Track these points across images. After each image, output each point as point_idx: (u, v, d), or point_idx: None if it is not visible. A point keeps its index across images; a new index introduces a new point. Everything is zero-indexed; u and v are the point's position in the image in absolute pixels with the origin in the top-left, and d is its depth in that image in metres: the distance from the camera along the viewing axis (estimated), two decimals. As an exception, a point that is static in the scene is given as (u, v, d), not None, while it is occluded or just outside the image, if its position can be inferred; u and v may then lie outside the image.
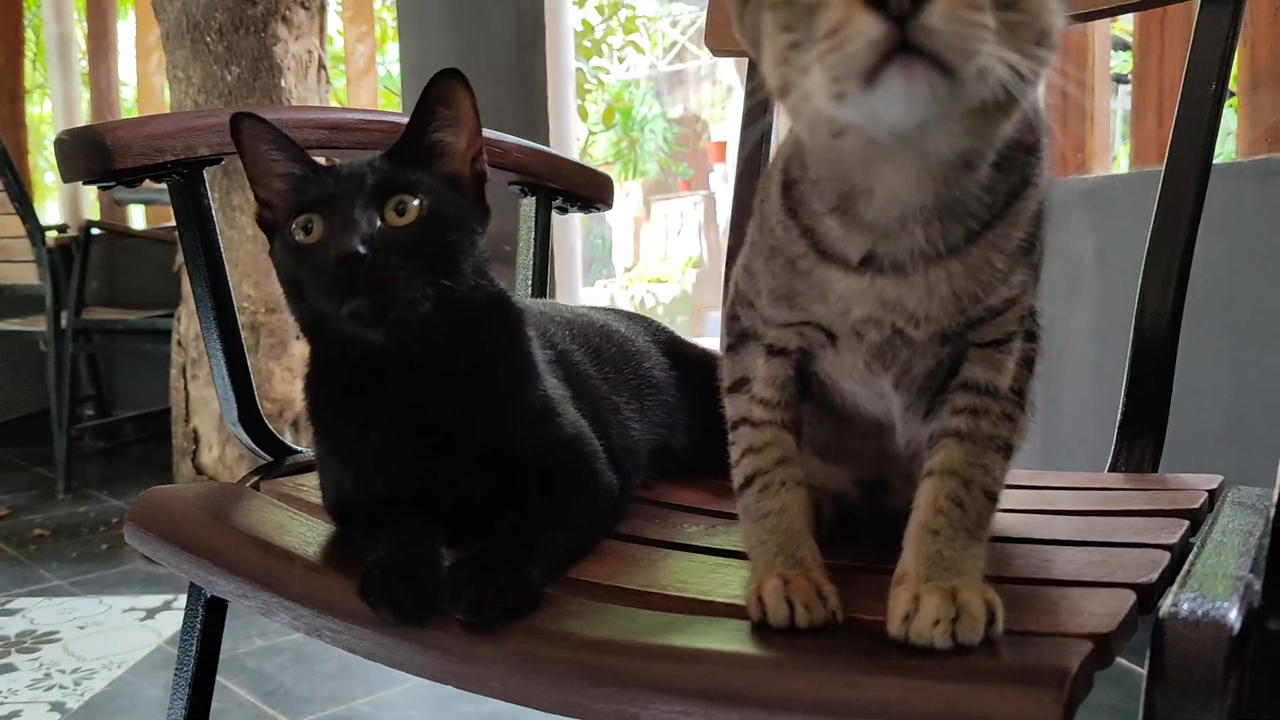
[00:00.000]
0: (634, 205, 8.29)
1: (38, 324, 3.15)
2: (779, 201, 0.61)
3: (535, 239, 1.08)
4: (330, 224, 0.70)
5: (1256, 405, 1.64)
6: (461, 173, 0.76)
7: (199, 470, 2.56)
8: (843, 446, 0.71)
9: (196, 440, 2.57)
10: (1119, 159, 2.73)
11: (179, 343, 2.64)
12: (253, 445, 0.90)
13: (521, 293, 1.07)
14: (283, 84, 2.55)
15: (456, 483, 0.73)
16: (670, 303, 7.62)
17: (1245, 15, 1.71)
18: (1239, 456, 1.61)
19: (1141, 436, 0.93)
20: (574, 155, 2.97)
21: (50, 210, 4.94)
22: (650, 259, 8.26)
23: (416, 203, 0.72)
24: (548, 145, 2.84)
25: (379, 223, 0.70)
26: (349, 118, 0.95)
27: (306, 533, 0.75)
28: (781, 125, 1.21)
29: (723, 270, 1.10)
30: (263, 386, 2.51)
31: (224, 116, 0.85)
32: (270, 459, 0.91)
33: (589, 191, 1.11)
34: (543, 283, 1.06)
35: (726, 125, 8.11)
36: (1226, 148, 2.13)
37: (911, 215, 0.56)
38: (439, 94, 0.75)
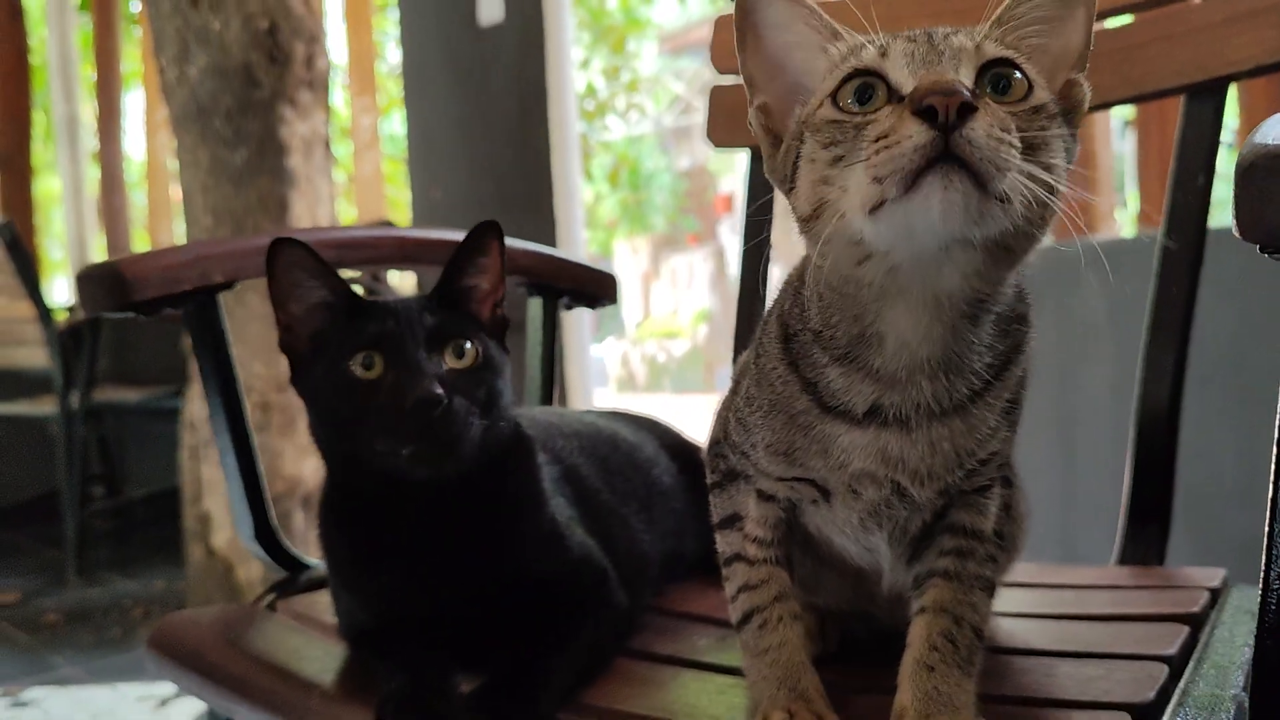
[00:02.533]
0: (643, 261, 8.35)
1: (47, 405, 3.17)
2: (779, 356, 0.62)
3: (543, 339, 1.10)
4: (395, 364, 0.72)
5: (1266, 465, 1.65)
6: (484, 317, 0.80)
7: (210, 553, 2.56)
8: (822, 584, 0.72)
9: (207, 523, 2.57)
10: (1129, 199, 2.77)
11: (189, 424, 2.65)
12: (270, 561, 0.91)
13: (530, 398, 1.08)
14: (288, 164, 2.59)
15: (469, 609, 0.74)
16: (681, 357, 7.65)
17: (1241, 90, 1.75)
18: (1253, 519, 1.62)
19: (1147, 528, 0.94)
20: (579, 217, 3.00)
21: (59, 284, 5.00)
22: (660, 314, 8.31)
23: (470, 347, 0.75)
24: (552, 210, 2.90)
25: (443, 366, 0.73)
26: (357, 235, 0.97)
27: (323, 658, 0.76)
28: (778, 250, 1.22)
29: (733, 324, 1.11)
30: (273, 465, 2.52)
31: (236, 244, 0.88)
32: (286, 573, 0.92)
33: (593, 289, 1.13)
34: (550, 387, 1.08)
35: (734, 177, 8.19)
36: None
37: (919, 367, 0.57)
38: (477, 244, 0.79)
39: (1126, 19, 1.08)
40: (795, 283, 0.64)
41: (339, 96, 4.18)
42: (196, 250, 0.83)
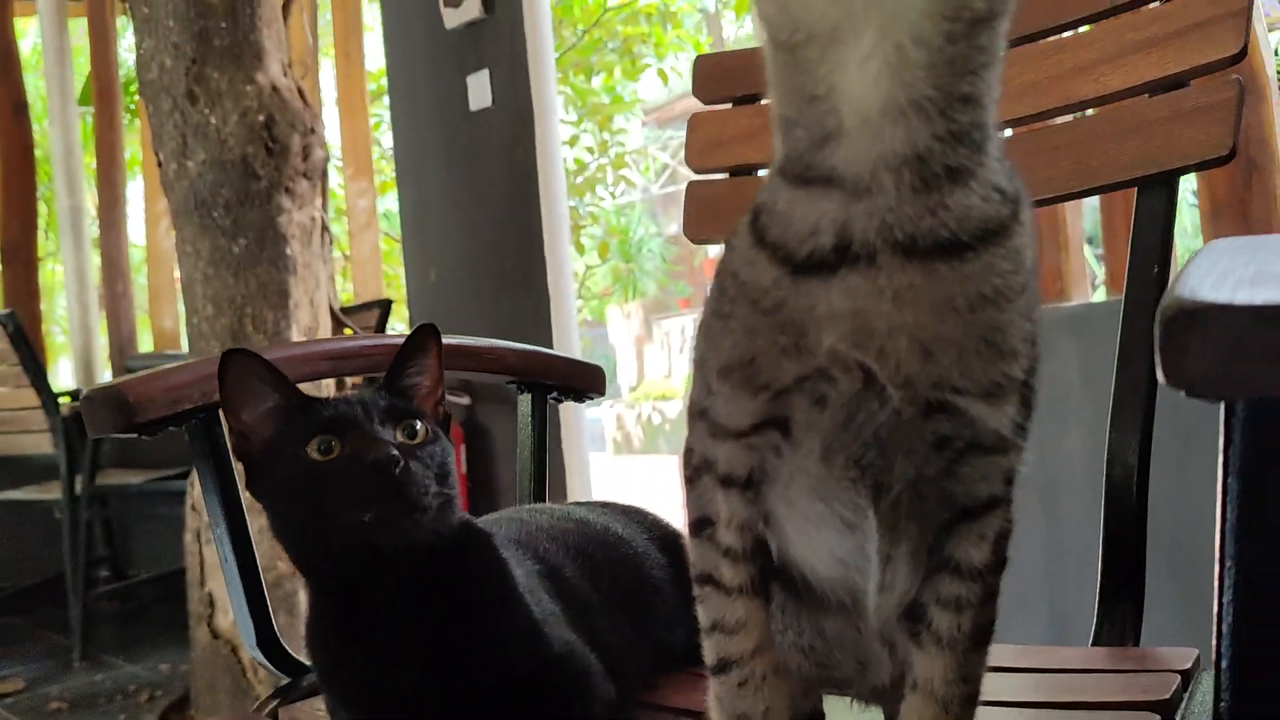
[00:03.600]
0: (635, 325, 8.45)
1: (52, 490, 3.20)
2: (747, 233, 0.58)
3: (533, 435, 1.14)
4: (352, 441, 0.76)
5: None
6: (428, 412, 0.84)
7: (215, 634, 2.58)
8: (804, 634, 0.66)
9: (212, 604, 2.59)
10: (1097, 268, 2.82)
11: (193, 507, 2.68)
12: (272, 669, 0.94)
13: (522, 494, 1.12)
14: (288, 252, 2.65)
15: (451, 709, 0.77)
16: (676, 418, 7.68)
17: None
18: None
19: (1120, 606, 0.97)
20: (571, 291, 3.06)
21: (63, 367, 5.04)
22: (654, 377, 8.37)
23: (421, 427, 0.79)
24: (546, 286, 2.95)
25: (397, 439, 0.78)
26: (350, 346, 1.02)
27: (324, 764, 0.79)
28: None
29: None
30: (275, 546, 2.54)
31: (237, 361, 0.92)
32: (289, 679, 0.95)
33: (580, 384, 1.18)
34: (543, 482, 1.11)
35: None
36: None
37: (885, 159, 0.52)
38: (417, 345, 0.85)
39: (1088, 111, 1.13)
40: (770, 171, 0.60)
41: (335, 177, 4.26)
42: (197, 370, 0.88)
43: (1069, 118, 1.15)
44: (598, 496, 3.09)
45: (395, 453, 0.74)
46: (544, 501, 1.12)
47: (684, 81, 6.92)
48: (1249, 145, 1.78)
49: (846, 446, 0.56)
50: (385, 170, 4.87)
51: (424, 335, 0.85)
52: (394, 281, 4.48)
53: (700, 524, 0.63)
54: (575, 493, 2.91)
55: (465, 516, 0.83)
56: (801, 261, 0.54)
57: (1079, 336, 1.95)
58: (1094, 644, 0.97)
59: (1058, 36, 1.12)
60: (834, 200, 0.53)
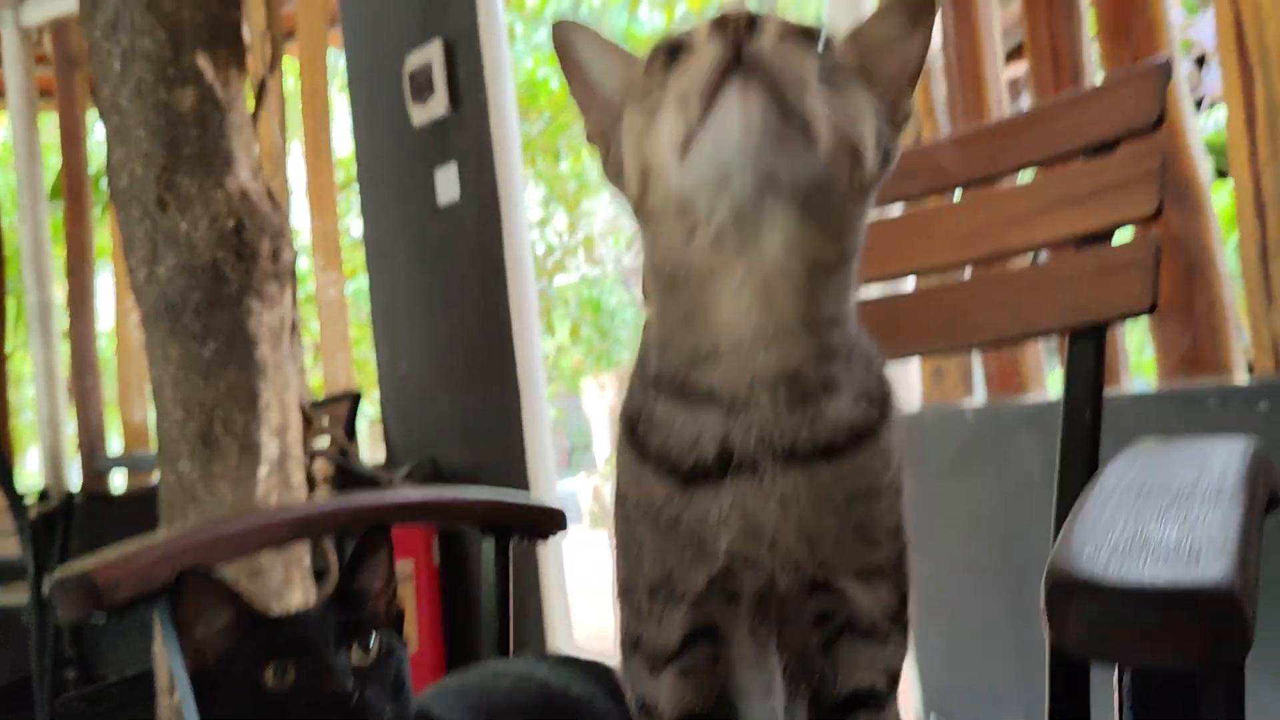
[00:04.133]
0: (610, 396, 8.46)
1: (19, 593, 3.17)
2: (627, 451, 0.62)
3: (497, 580, 1.16)
4: (307, 668, 0.78)
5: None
6: (380, 612, 0.87)
7: (184, 743, 2.55)
8: None
9: (180, 715, 2.57)
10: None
11: (161, 612, 2.67)
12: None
13: (487, 639, 1.14)
14: (257, 354, 2.67)
15: None
16: (650, 488, 7.68)
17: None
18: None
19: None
20: (541, 380, 3.09)
21: (31, 458, 5.01)
22: (628, 447, 8.37)
23: (375, 643, 0.81)
24: (516, 377, 2.98)
25: (350, 663, 0.79)
26: (316, 511, 1.05)
27: None
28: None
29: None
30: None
31: (200, 535, 0.95)
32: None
33: (541, 527, 1.20)
34: (506, 630, 1.14)
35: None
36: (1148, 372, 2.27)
37: (760, 379, 0.57)
38: (367, 549, 0.88)
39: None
40: (634, 372, 0.65)
41: (304, 262, 4.30)
42: (163, 549, 0.90)
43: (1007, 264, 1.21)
44: (576, 573, 3.11)
45: (350, 686, 0.76)
46: (508, 653, 1.14)
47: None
48: (1189, 251, 1.85)
49: (764, 626, 0.61)
50: (355, 256, 4.90)
51: (374, 539, 0.87)
52: (365, 369, 4.50)
53: (643, 710, 0.66)
54: (554, 627, 2.91)
55: (420, 707, 0.84)
56: (688, 472, 0.58)
57: (1038, 431, 2.00)
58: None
59: (992, 188, 1.18)
60: (713, 415, 0.58)
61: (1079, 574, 0.42)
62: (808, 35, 0.57)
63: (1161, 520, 0.47)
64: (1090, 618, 0.41)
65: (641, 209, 0.59)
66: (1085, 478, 1.04)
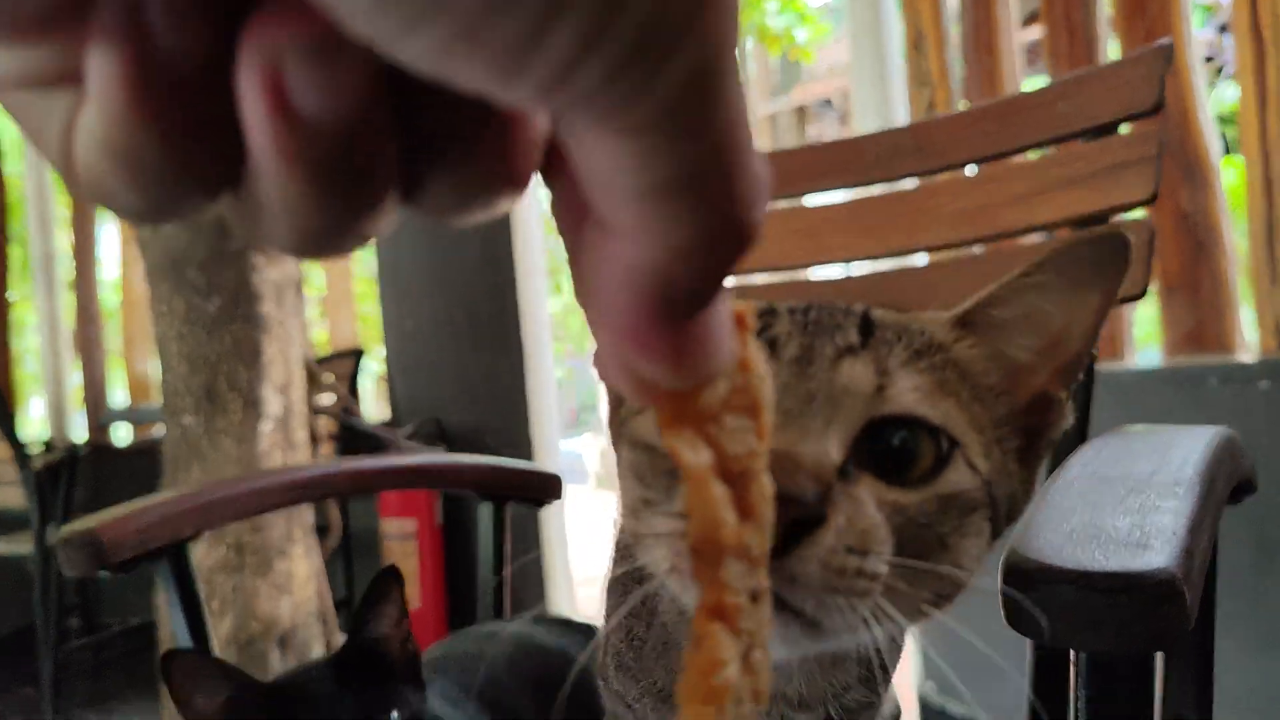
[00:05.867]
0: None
1: (23, 543, 3.20)
2: None
3: (494, 543, 1.18)
4: None
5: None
6: (395, 655, 0.85)
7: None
8: None
9: (183, 664, 2.61)
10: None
11: (164, 564, 2.70)
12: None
13: (484, 603, 1.16)
14: (261, 310, 2.68)
15: None
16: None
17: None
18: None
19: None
20: (547, 340, 3.10)
21: (35, 409, 5.03)
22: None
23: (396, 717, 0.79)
24: (520, 335, 2.98)
25: None
26: (310, 475, 1.06)
27: None
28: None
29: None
30: (248, 605, 2.57)
31: (202, 497, 0.96)
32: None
33: (538, 493, 1.22)
34: (501, 592, 1.15)
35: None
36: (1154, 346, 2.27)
37: None
38: (379, 594, 0.85)
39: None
40: None
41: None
42: (167, 509, 0.91)
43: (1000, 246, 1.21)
44: (578, 532, 3.13)
45: None
46: (504, 616, 1.16)
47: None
48: (1196, 228, 1.85)
49: None
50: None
51: (386, 584, 0.85)
52: (370, 324, 4.51)
53: None
54: (555, 588, 2.94)
55: None
56: None
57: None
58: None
59: (993, 166, 1.18)
60: None
61: (1033, 560, 0.44)
62: (912, 453, 0.46)
63: (1117, 510, 0.49)
64: (1042, 603, 0.42)
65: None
66: (1072, 450, 1.05)
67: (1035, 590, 0.43)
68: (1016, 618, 0.44)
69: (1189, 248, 1.86)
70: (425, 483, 1.14)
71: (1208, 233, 1.85)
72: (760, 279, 1.26)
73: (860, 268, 1.27)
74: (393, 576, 0.85)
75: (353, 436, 3.10)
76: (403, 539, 3.03)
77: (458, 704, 0.87)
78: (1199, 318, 1.83)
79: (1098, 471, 0.57)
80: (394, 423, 3.29)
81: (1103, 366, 1.91)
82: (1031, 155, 1.17)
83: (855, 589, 0.41)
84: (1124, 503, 0.50)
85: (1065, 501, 0.51)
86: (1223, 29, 3.28)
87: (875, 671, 0.53)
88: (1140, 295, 1.02)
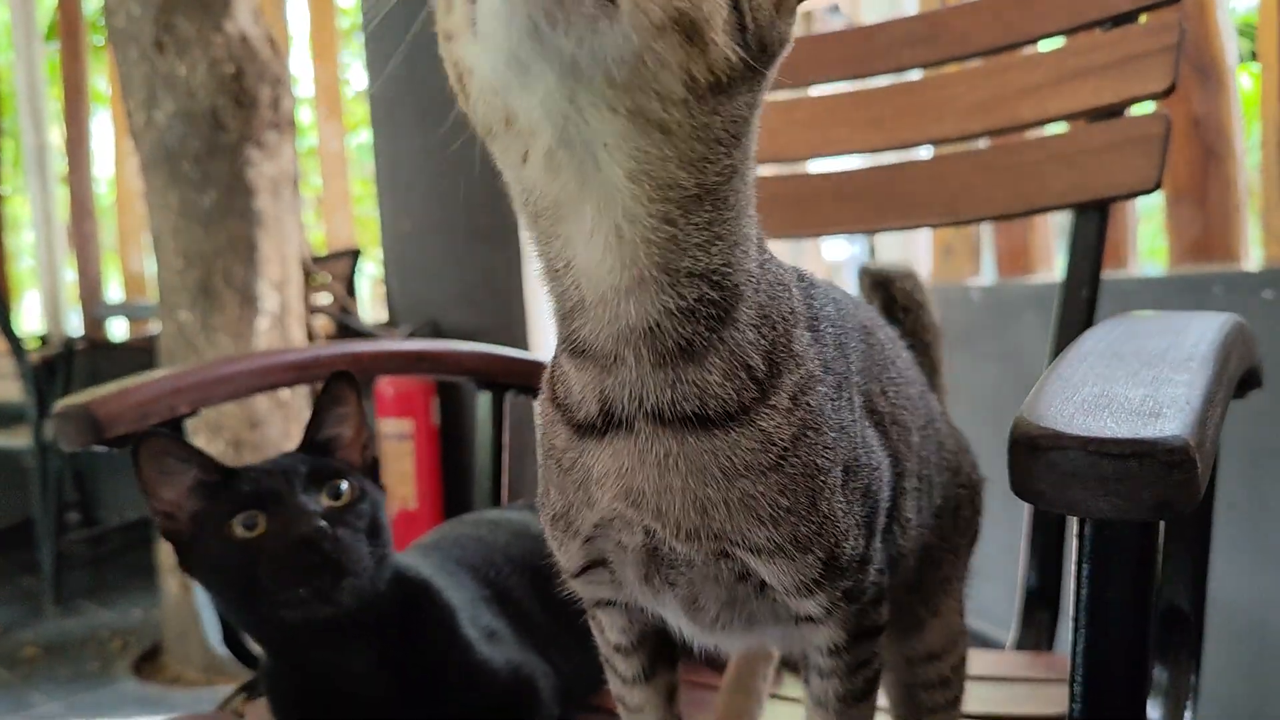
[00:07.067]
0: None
1: (21, 436, 3.22)
2: (545, 395, 0.60)
3: (492, 433, 1.18)
4: (277, 515, 0.77)
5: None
6: (355, 462, 0.86)
7: (185, 586, 2.63)
8: None
9: (182, 556, 2.64)
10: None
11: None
12: (238, 662, 0.99)
13: (480, 493, 1.16)
14: (256, 205, 2.65)
15: None
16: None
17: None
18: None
19: (1039, 614, 1.03)
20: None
21: (30, 300, 5.02)
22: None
23: (347, 487, 0.80)
24: (519, 241, 2.96)
25: (320, 507, 0.78)
26: (312, 356, 1.05)
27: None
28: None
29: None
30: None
31: (200, 374, 0.96)
32: (254, 672, 1.00)
33: (538, 382, 1.21)
34: (499, 481, 1.16)
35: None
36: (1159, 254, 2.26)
37: (624, 334, 0.51)
38: (332, 397, 0.85)
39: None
40: None
41: (306, 115, 4.22)
42: (162, 386, 0.91)
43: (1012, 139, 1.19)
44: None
45: (322, 524, 0.75)
46: (501, 503, 1.16)
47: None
48: (1207, 134, 1.81)
49: (656, 573, 0.58)
50: (358, 110, 4.82)
51: (339, 387, 0.85)
52: (368, 226, 4.47)
53: (592, 612, 0.67)
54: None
55: (399, 564, 0.84)
56: (579, 424, 0.55)
57: (1043, 311, 2.00)
58: (1015, 649, 1.03)
59: (1007, 56, 1.15)
60: (591, 371, 0.53)
61: (1042, 427, 0.43)
62: None
63: (1130, 381, 0.48)
64: (1052, 469, 0.42)
65: (478, 126, 0.52)
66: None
67: (1045, 456, 0.42)
68: (1022, 484, 0.43)
69: (1198, 154, 1.83)
70: (424, 368, 1.13)
71: (1219, 138, 1.81)
72: (764, 171, 1.24)
73: (863, 160, 1.25)
74: (345, 380, 0.85)
75: (350, 336, 3.09)
76: (399, 439, 3.05)
77: (454, 575, 0.88)
78: (1205, 225, 1.80)
79: (1110, 348, 0.56)
80: (391, 324, 3.28)
81: (1106, 274, 1.90)
82: (1046, 45, 1.14)
83: None
84: (1137, 375, 0.49)
85: (1076, 374, 0.50)
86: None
87: None
88: (1153, 189, 1.00)
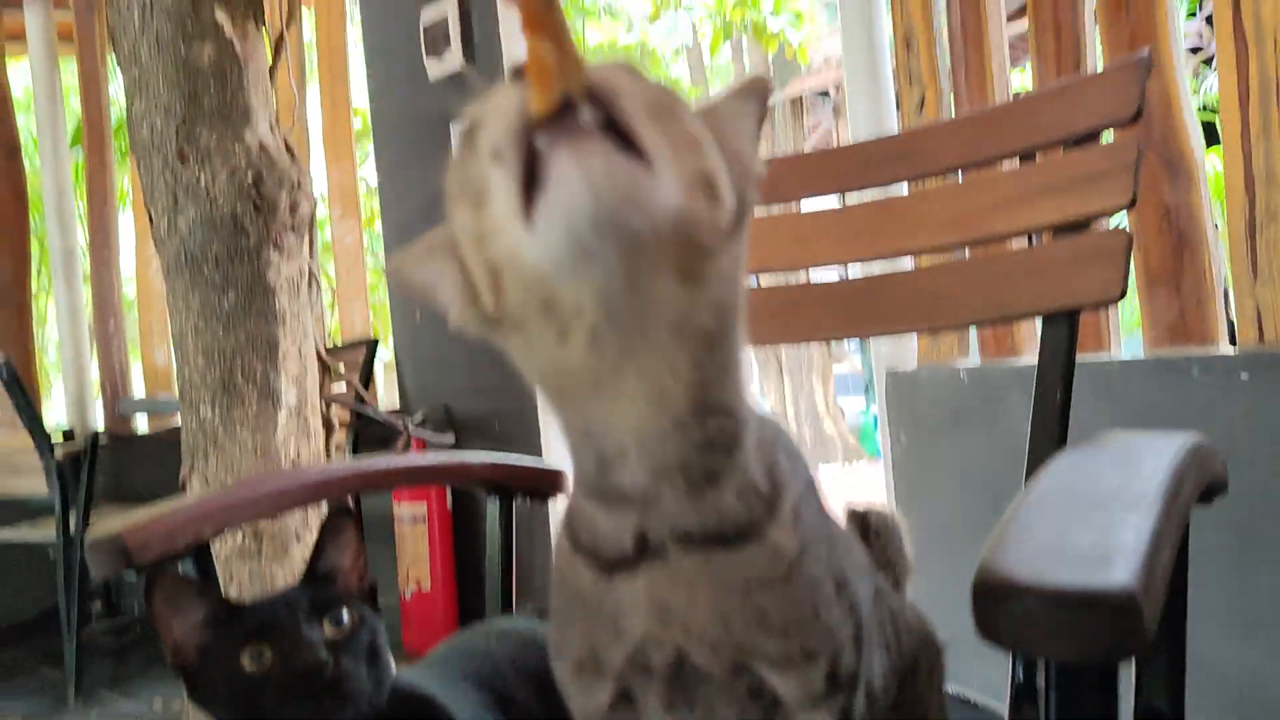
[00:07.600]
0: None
1: (46, 528, 3.28)
2: (565, 544, 0.62)
3: (501, 538, 1.23)
4: (283, 648, 0.83)
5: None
6: (352, 586, 0.93)
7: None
8: None
9: (204, 649, 2.68)
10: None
11: (185, 552, 2.77)
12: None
13: (492, 598, 1.22)
14: (277, 305, 2.73)
15: None
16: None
17: (1134, 222, 1.91)
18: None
19: (1029, 709, 1.07)
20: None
21: (56, 390, 5.11)
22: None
23: (348, 616, 0.86)
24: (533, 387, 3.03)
25: (324, 636, 0.84)
26: (334, 475, 1.12)
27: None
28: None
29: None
30: (267, 590, 2.64)
31: (224, 500, 1.03)
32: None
33: (544, 488, 1.28)
34: (509, 584, 1.21)
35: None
36: (1136, 338, 2.31)
37: (662, 473, 0.55)
38: (333, 532, 0.93)
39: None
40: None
41: (322, 210, 4.34)
42: (189, 512, 0.97)
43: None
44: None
45: (325, 656, 0.81)
46: (511, 609, 1.22)
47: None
48: (1180, 222, 1.89)
49: (679, 696, 0.61)
50: (373, 203, 4.95)
51: (338, 523, 0.93)
52: (383, 313, 4.57)
53: None
54: None
55: (401, 682, 0.89)
56: (610, 561, 0.59)
57: (1028, 392, 2.05)
58: None
59: (978, 173, 1.22)
60: (628, 513, 0.57)
61: (1001, 576, 0.48)
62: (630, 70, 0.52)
63: (1083, 526, 0.53)
64: (1009, 616, 0.46)
65: (504, 323, 0.53)
66: (1052, 452, 1.10)
67: (1003, 604, 0.46)
68: (986, 628, 0.47)
69: (1171, 241, 1.90)
70: (437, 479, 1.20)
71: (1190, 227, 1.88)
72: (753, 280, 1.31)
73: (853, 271, 1.32)
74: (343, 514, 0.93)
75: (365, 424, 3.17)
76: (414, 522, 3.11)
77: (459, 689, 0.93)
78: (1181, 310, 1.87)
79: (1066, 487, 0.60)
80: (404, 410, 3.35)
81: (1086, 357, 1.94)
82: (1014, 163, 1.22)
83: (632, 94, 0.49)
84: (1089, 519, 0.53)
85: (1032, 519, 0.55)
86: (1210, 19, 3.30)
87: None
88: (1118, 298, 1.07)
